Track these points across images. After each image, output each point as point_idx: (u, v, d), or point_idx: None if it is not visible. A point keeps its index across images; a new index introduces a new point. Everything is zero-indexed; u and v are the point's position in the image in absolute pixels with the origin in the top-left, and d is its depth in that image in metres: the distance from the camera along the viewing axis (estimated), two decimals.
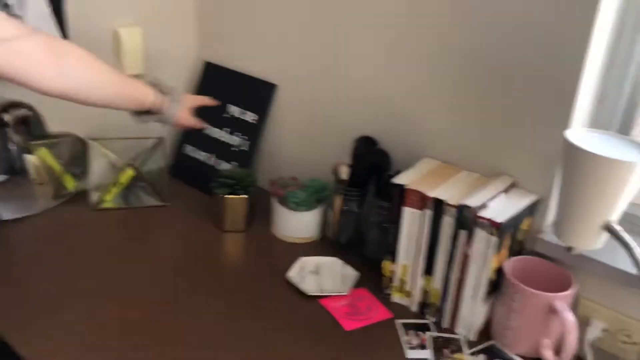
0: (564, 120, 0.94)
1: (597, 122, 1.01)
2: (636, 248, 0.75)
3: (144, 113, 1.12)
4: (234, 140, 1.39)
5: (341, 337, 0.97)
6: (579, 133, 0.81)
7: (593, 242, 0.81)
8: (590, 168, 0.74)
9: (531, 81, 0.96)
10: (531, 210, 0.99)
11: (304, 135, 1.34)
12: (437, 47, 1.05)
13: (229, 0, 1.38)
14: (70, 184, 1.33)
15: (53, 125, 1.28)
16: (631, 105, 1.02)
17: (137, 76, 1.39)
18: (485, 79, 1.01)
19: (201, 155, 1.44)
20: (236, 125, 1.39)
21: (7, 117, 1.25)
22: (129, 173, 1.32)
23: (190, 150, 1.46)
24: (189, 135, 1.46)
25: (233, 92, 1.41)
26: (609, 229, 0.78)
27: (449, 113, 1.08)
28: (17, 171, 1.28)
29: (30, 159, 1.27)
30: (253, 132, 1.37)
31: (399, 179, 1.01)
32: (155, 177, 1.36)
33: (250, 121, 1.37)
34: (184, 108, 1.17)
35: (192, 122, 1.20)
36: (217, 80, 1.46)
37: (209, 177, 1.34)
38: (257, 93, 1.38)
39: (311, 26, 1.24)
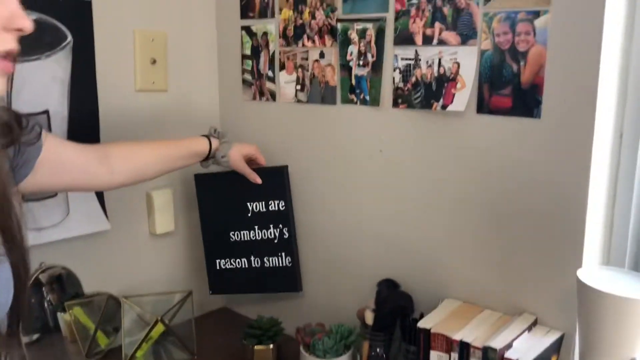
0: (577, 258, 0.98)
1: (610, 257, 1.05)
2: None
3: (204, 159, 1.27)
4: (268, 233, 1.39)
5: None
6: (592, 271, 0.85)
7: None
8: (606, 307, 0.77)
9: (541, 224, 1.02)
10: (557, 347, 1.00)
11: (328, 279, 1.38)
12: (455, 195, 1.13)
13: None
14: (103, 342, 1.36)
15: (86, 284, 1.34)
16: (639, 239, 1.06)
17: (168, 233, 1.49)
18: (500, 223, 1.07)
19: (238, 263, 1.43)
20: (264, 219, 1.40)
21: (42, 277, 1.32)
22: (159, 328, 1.36)
23: (223, 264, 1.44)
24: (216, 249, 1.44)
25: (246, 189, 1.38)
26: None
27: (468, 255, 1.13)
28: (50, 329, 1.33)
29: (64, 317, 1.31)
30: (284, 219, 1.38)
31: (423, 323, 1.04)
32: (184, 330, 1.39)
33: (279, 209, 1.38)
34: (237, 152, 1.28)
35: (246, 169, 1.31)
36: (221, 187, 1.45)
37: (257, 278, 1.39)
38: (271, 179, 1.37)
39: (332, 172, 1.33)
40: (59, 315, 1.32)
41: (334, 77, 1.27)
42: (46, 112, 1.21)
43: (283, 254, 1.39)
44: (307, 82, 1.32)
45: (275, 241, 1.39)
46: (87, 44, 1.26)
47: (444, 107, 1.10)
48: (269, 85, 1.41)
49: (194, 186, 1.43)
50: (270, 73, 1.40)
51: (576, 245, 0.98)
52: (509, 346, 0.95)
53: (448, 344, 0.99)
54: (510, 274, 1.07)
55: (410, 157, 1.18)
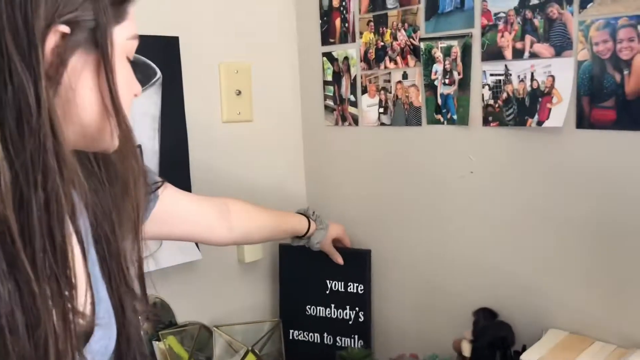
0: None
1: None
2: None
3: (296, 237, 1.31)
4: (343, 314, 1.39)
5: None
6: None
7: None
8: None
9: None
10: None
11: (419, 308, 1.33)
12: (556, 217, 1.05)
13: (333, 186, 1.48)
14: None
15: (179, 313, 1.36)
16: None
17: (256, 261, 1.49)
18: (610, 245, 0.99)
19: (312, 337, 1.43)
20: (341, 299, 1.39)
21: None
22: (251, 358, 1.35)
23: (297, 335, 1.45)
24: (292, 319, 1.45)
25: (327, 266, 1.41)
26: None
27: (574, 281, 1.04)
28: (147, 358, 1.36)
29: (159, 346, 1.34)
30: (361, 303, 1.37)
31: (528, 355, 0.96)
32: (276, 358, 1.37)
33: (357, 292, 1.37)
34: (328, 236, 1.32)
35: (331, 250, 1.35)
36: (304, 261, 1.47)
37: (328, 354, 1.34)
38: (352, 261, 1.38)
39: (420, 196, 1.29)
40: (154, 344, 1.35)
41: (418, 98, 1.23)
42: (139, 147, 1.26)
43: (356, 336, 1.37)
44: (390, 104, 1.29)
45: (350, 322, 1.38)
46: (176, 78, 1.30)
47: (539, 123, 1.03)
48: (351, 109, 1.39)
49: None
50: (352, 97, 1.38)
51: None
52: None
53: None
54: (624, 301, 0.97)
55: (504, 177, 1.11)
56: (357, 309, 1.37)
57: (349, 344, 1.37)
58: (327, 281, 1.41)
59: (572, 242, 1.03)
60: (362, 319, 1.37)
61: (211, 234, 1.09)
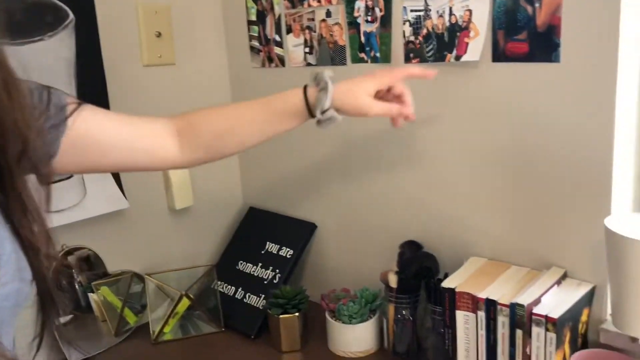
0: (605, 206, 0.93)
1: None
2: None
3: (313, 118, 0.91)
4: (266, 274, 1.40)
5: None
6: (621, 218, 0.81)
7: None
8: (636, 255, 0.73)
9: (566, 172, 0.97)
10: (588, 299, 0.96)
11: (352, 245, 1.36)
12: (476, 149, 1.08)
13: (268, 151, 1.47)
14: (132, 319, 1.37)
15: (110, 263, 1.35)
16: None
17: (186, 209, 1.48)
18: (523, 174, 1.03)
19: (229, 290, 1.43)
20: (270, 261, 1.41)
21: (71, 259, 1.33)
22: (185, 303, 1.36)
23: (218, 285, 1.44)
24: (219, 269, 1.45)
25: (272, 231, 1.46)
26: None
27: (492, 211, 1.09)
28: (83, 310, 1.34)
29: (93, 298, 1.33)
30: (283, 266, 1.38)
31: (448, 282, 1.01)
32: (210, 303, 1.39)
33: (286, 256, 1.39)
34: (351, 94, 0.90)
35: (381, 107, 0.92)
36: (258, 223, 1.51)
37: (236, 313, 1.37)
38: (296, 231, 1.42)
39: (349, 136, 1.30)
40: (89, 296, 1.33)
41: (342, 36, 1.22)
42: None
43: (263, 296, 1.36)
44: (315, 43, 1.28)
45: (265, 282, 1.38)
46: (90, 21, 1.24)
47: (457, 57, 1.05)
48: (277, 50, 1.37)
49: None
50: (277, 37, 1.36)
51: (604, 193, 0.93)
52: (537, 302, 0.92)
53: (474, 303, 0.96)
54: (536, 227, 1.03)
55: (426, 114, 1.13)
56: (277, 271, 1.38)
57: (255, 302, 1.37)
58: (267, 242, 1.44)
59: (491, 173, 1.07)
60: (276, 281, 1.37)
61: (159, 158, 0.88)
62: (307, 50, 1.30)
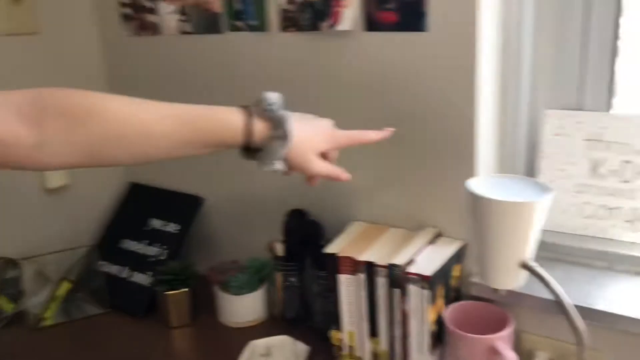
0: (471, 168, 0.99)
1: (503, 166, 1.07)
2: (552, 281, 0.79)
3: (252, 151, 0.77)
4: (152, 251, 1.37)
5: None
6: (481, 180, 0.86)
7: (515, 281, 0.85)
8: (495, 213, 0.79)
9: (436, 137, 1.02)
10: (459, 256, 1.03)
11: (238, 217, 1.35)
12: (352, 117, 1.10)
13: None
14: (8, 306, 1.29)
15: None
16: (531, 145, 1.09)
17: (62, 187, 1.40)
18: (397, 140, 1.05)
19: (113, 269, 1.38)
20: (156, 237, 1.38)
21: None
22: (65, 286, 1.30)
23: (101, 265, 1.38)
24: (102, 249, 1.40)
25: (157, 207, 1.42)
26: (525, 266, 0.82)
27: (370, 176, 1.12)
28: None
29: None
30: (170, 242, 1.36)
31: (330, 248, 1.04)
32: (93, 284, 1.34)
33: (172, 232, 1.37)
34: (301, 153, 0.78)
35: (326, 170, 0.83)
36: (141, 199, 1.47)
37: (121, 292, 1.33)
38: (182, 206, 1.39)
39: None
40: None
41: (217, 3, 1.19)
42: None
43: (151, 274, 1.32)
44: (190, 10, 1.23)
45: (152, 259, 1.35)
46: None
47: (331, 26, 1.05)
48: (150, 17, 1.30)
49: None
50: (150, 4, 1.29)
51: (469, 156, 0.99)
52: (411, 261, 0.97)
53: (355, 266, 1.00)
54: (411, 190, 1.08)
55: (303, 82, 1.13)
56: (164, 247, 1.35)
57: (143, 280, 1.34)
58: (152, 219, 1.40)
59: None
60: (163, 257, 1.34)
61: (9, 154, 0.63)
62: (182, 17, 1.25)
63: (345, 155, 1.13)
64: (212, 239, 1.41)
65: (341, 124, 1.11)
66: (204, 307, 1.27)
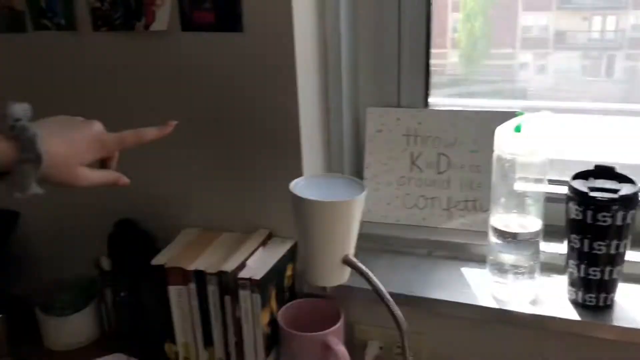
0: (297, 168, 1.00)
1: (332, 164, 1.10)
2: (370, 274, 0.82)
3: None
4: None
5: None
6: (303, 181, 0.86)
7: (340, 277, 0.86)
8: (313, 214, 0.80)
9: (262, 139, 1.01)
10: (291, 255, 1.03)
11: (60, 231, 1.25)
12: (175, 118, 1.05)
13: None
14: None
15: None
16: (357, 142, 1.13)
17: None
18: (224, 142, 1.04)
19: None
20: None
21: None
22: None
23: None
24: None
25: None
26: (346, 262, 0.83)
27: (200, 180, 1.09)
28: None
29: None
30: None
31: (157, 260, 0.99)
32: None
33: None
34: (70, 163, 0.70)
35: (97, 179, 0.75)
36: None
37: None
38: None
39: None
40: None
41: (19, 0, 1.08)
42: None
43: None
44: None
45: None
46: None
47: (146, 26, 1.00)
48: None
49: None
50: None
51: (296, 156, 1.00)
52: (242, 266, 0.95)
53: (184, 276, 0.96)
54: (241, 193, 1.06)
55: (119, 84, 1.07)
56: None
57: None
58: None
59: (192, 142, 1.06)
60: None
61: None
62: None
63: (170, 160, 1.08)
64: (31, 257, 1.29)
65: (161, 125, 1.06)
66: (25, 334, 1.16)
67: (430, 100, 1.12)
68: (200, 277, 0.95)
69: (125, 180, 0.78)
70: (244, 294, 0.93)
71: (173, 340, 1.01)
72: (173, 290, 0.98)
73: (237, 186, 1.06)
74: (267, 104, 0.98)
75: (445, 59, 1.16)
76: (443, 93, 1.15)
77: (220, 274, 0.93)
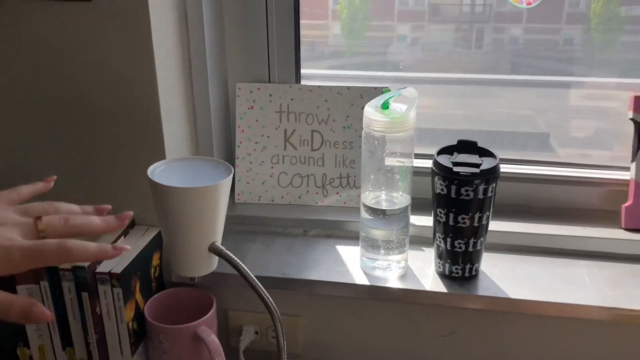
0: (159, 151, 0.93)
1: (200, 144, 1.04)
2: (236, 260, 0.77)
3: None
4: None
5: None
6: (163, 165, 0.80)
7: (208, 267, 0.81)
8: (174, 201, 0.74)
9: (120, 122, 0.92)
10: (158, 243, 0.97)
11: None
12: (24, 101, 0.94)
13: None
14: None
15: None
16: (228, 121, 1.07)
17: None
18: (79, 125, 0.94)
19: None
20: None
21: None
22: None
23: None
24: None
25: None
26: (214, 250, 0.79)
27: (49, 163, 0.98)
28: None
29: None
30: None
31: None
32: None
33: None
34: None
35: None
36: None
37: None
38: None
39: None
40: None
41: None
42: None
43: None
44: None
45: None
46: None
47: None
48: None
49: None
50: None
51: (158, 138, 0.92)
52: (99, 261, 0.87)
53: (36, 274, 0.87)
54: (101, 180, 0.97)
55: None
56: None
57: None
58: None
59: (44, 126, 0.95)
60: None
61: None
62: None
63: (17, 141, 0.96)
64: None
65: (15, 113, 0.95)
66: None
67: (312, 72, 1.09)
68: (53, 273, 0.86)
69: (48, 314, 0.56)
70: (103, 289, 0.85)
71: (26, 344, 0.92)
72: (22, 290, 0.88)
73: (97, 173, 0.97)
74: (122, 80, 0.89)
75: (328, 29, 1.14)
76: (325, 65, 1.12)
77: (76, 269, 0.85)
